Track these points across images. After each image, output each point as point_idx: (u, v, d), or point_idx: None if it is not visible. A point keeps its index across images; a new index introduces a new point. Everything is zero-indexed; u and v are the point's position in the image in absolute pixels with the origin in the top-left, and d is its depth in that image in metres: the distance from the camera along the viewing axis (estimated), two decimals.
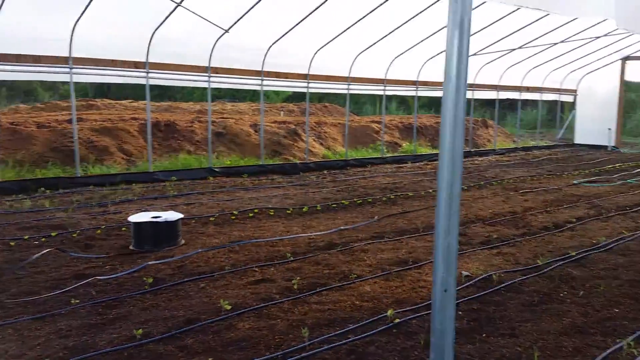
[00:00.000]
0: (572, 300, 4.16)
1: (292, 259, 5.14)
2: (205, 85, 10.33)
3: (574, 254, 5.37)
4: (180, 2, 8.29)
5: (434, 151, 15.48)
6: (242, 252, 5.35)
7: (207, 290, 4.31)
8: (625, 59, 17.19)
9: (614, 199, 8.61)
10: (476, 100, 20.50)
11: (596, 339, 3.51)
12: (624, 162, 14.13)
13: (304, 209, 7.49)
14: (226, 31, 9.39)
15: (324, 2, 9.21)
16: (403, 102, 29.17)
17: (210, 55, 10.02)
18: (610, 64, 17.30)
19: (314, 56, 11.31)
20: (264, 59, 10.69)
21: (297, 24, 9.85)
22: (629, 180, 10.62)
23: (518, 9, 10.52)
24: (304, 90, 11.79)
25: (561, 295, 4.28)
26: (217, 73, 10.26)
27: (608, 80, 17.70)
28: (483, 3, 9.96)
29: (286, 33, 10.13)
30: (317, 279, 4.60)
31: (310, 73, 11.56)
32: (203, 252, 5.35)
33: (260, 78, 10.83)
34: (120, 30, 8.99)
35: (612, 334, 3.59)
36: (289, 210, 7.40)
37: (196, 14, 8.35)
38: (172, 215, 5.73)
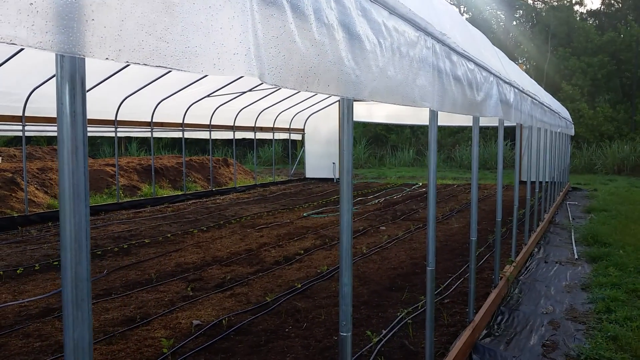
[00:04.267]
0: (296, 334, 4.35)
1: None
2: None
3: (299, 286, 5.70)
4: None
5: (176, 192, 15.23)
6: None
7: None
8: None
9: (337, 228, 9.53)
10: (217, 140, 20.85)
11: None
12: None
13: (18, 271, 6.48)
14: None
15: None
16: (145, 143, 28.22)
17: None
18: (331, 105, 19.46)
19: (29, 96, 10.11)
20: None
21: None
22: None
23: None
24: (19, 133, 10.43)
25: (286, 330, 4.45)
26: None
27: (329, 120, 19.80)
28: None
29: None
30: (25, 355, 3.94)
31: (26, 115, 10.29)
32: None
33: None
34: None
35: None
36: None
37: None
38: None
